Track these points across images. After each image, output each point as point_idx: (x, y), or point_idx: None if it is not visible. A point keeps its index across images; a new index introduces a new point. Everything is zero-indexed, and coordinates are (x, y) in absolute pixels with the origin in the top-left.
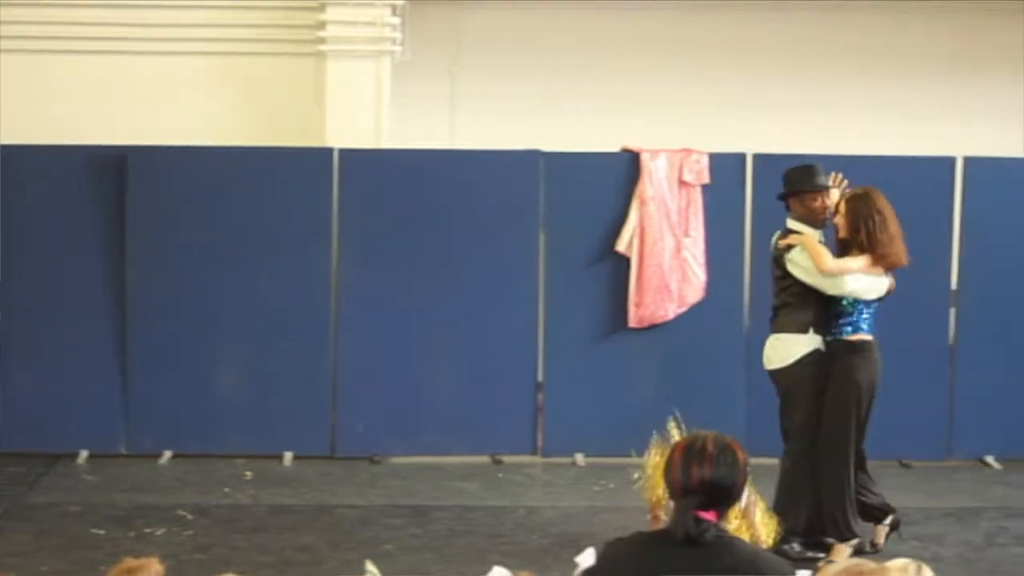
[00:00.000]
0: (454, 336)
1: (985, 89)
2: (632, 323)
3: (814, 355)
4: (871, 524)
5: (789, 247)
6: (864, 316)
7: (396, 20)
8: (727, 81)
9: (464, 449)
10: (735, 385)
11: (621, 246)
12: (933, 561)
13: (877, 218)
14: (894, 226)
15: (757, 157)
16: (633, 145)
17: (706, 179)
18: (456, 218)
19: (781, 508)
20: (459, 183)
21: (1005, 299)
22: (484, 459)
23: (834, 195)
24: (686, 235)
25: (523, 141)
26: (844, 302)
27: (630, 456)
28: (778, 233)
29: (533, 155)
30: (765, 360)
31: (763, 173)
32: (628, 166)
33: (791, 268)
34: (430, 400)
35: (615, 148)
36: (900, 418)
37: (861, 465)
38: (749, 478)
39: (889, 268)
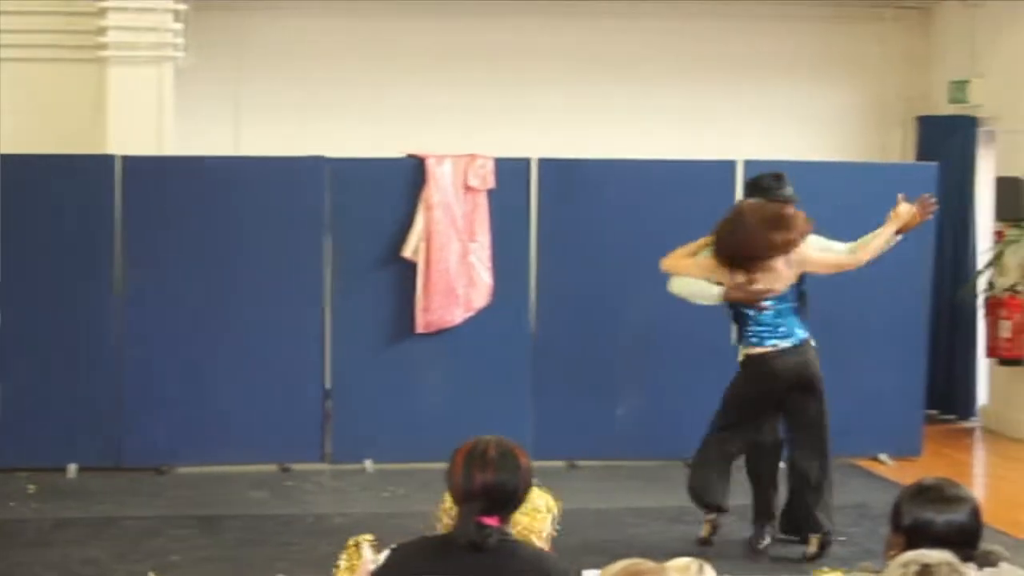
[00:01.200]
0: (241, 344)
1: (763, 93)
2: (419, 328)
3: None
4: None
5: None
6: (749, 328)
7: (178, 26)
8: (511, 87)
9: (252, 458)
10: (523, 389)
11: (408, 252)
12: (718, 559)
13: (728, 222)
14: (746, 228)
15: (542, 162)
16: (419, 151)
17: (491, 184)
18: (241, 225)
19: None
20: (244, 190)
21: None
22: (273, 467)
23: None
24: (472, 240)
25: (308, 147)
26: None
27: (420, 461)
28: None
29: (318, 161)
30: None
31: (547, 177)
32: (414, 172)
33: None
34: (217, 409)
35: (401, 154)
36: (684, 419)
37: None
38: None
39: (743, 266)
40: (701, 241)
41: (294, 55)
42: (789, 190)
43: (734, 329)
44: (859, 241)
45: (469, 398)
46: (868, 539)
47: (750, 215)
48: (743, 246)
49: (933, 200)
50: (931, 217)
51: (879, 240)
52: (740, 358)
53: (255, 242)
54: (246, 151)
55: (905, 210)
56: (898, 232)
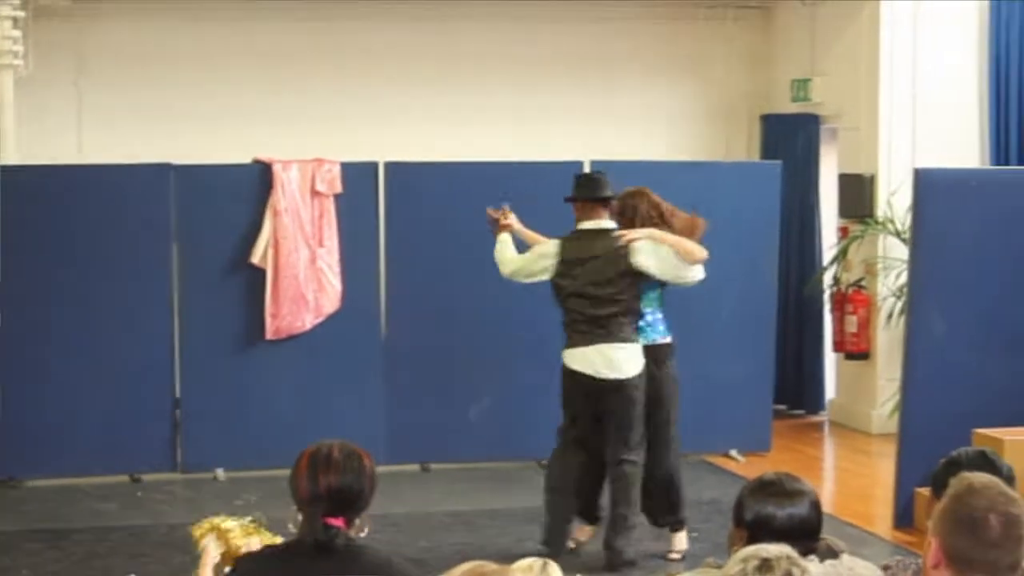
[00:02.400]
0: (90, 355)
1: (609, 93)
2: (269, 334)
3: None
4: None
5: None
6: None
7: (17, 33)
8: (359, 90)
9: (102, 469)
10: (375, 393)
11: (256, 258)
12: (573, 558)
13: (655, 212)
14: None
15: (389, 165)
16: (265, 156)
17: (338, 188)
18: (87, 234)
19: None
20: (88, 198)
21: None
22: (123, 478)
23: None
24: (320, 245)
25: (154, 154)
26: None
27: (272, 468)
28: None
29: (164, 168)
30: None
31: (395, 181)
32: (260, 177)
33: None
34: (66, 421)
35: (247, 160)
36: (538, 419)
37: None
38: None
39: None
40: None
41: (137, 61)
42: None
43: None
44: None
45: (321, 403)
46: (719, 535)
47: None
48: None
49: None
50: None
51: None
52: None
53: (101, 251)
54: (90, 159)
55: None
56: None
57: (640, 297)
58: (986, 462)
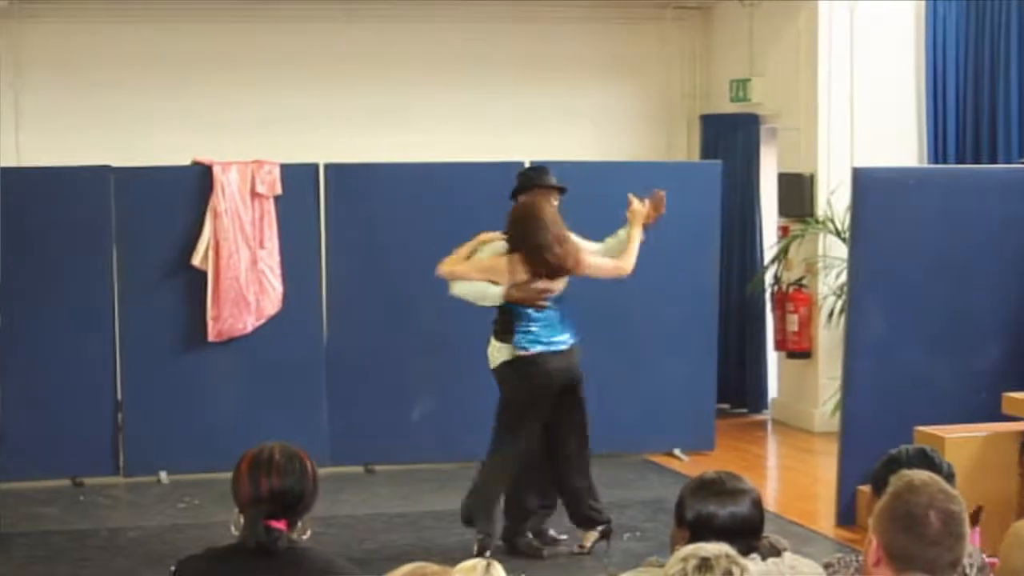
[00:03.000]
0: (30, 358)
1: (548, 94)
2: (211, 337)
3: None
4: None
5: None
6: (522, 327)
7: None
8: (297, 91)
9: (43, 473)
10: (317, 395)
11: (196, 260)
12: (516, 558)
13: (525, 225)
14: (549, 232)
15: (328, 167)
16: (205, 158)
17: (279, 190)
18: (25, 236)
19: None
20: (26, 201)
21: (574, 298)
22: (65, 482)
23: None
24: (261, 247)
25: (92, 157)
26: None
27: (215, 471)
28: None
29: (103, 170)
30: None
31: (335, 182)
32: (200, 179)
33: None
34: (7, 424)
35: (186, 161)
36: (480, 419)
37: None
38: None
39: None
40: (475, 241)
41: (75, 62)
42: (553, 179)
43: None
44: (607, 243)
45: (264, 406)
46: (663, 533)
47: (555, 227)
48: (561, 264)
49: (663, 195)
50: (664, 212)
51: (635, 243)
52: (505, 358)
53: (39, 254)
54: (28, 161)
55: (639, 207)
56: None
57: None
58: (926, 460)
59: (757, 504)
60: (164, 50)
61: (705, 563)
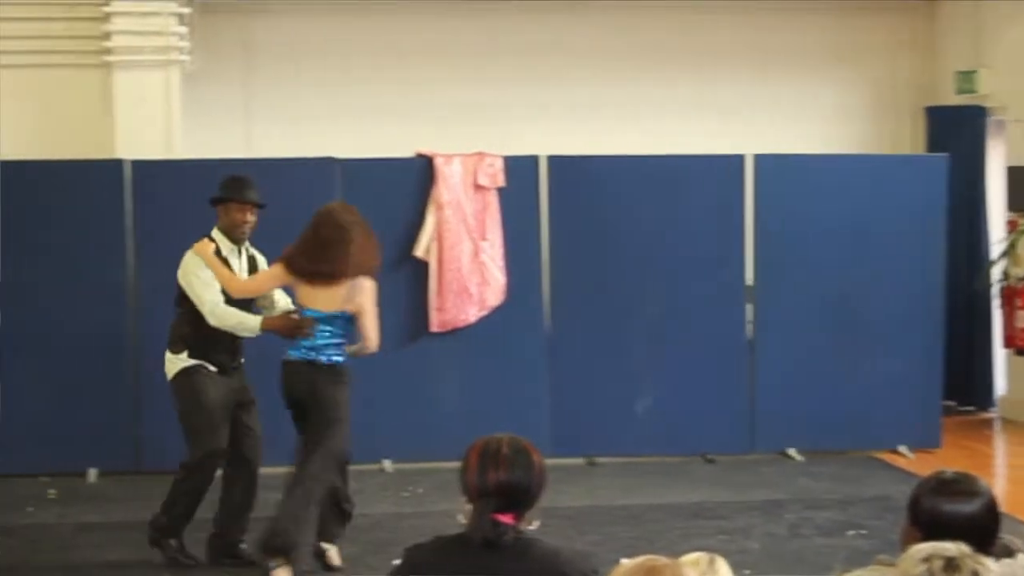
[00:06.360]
0: None
1: (770, 86)
2: (434, 327)
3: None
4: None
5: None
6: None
7: (183, 29)
8: (520, 84)
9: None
10: (539, 386)
11: (419, 251)
12: (739, 554)
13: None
14: (317, 241)
15: (551, 159)
16: (427, 150)
17: (501, 182)
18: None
19: None
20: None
21: (800, 293)
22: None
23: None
24: (483, 238)
25: (319, 148)
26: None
27: (437, 461)
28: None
29: (329, 162)
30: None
31: (557, 174)
32: (423, 171)
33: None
34: None
35: (410, 154)
36: (703, 413)
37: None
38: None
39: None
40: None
41: (302, 55)
42: (252, 193)
43: None
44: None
45: (486, 396)
46: (889, 532)
47: (358, 231)
48: (358, 265)
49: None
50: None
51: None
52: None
53: (266, 243)
54: (257, 153)
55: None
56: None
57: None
58: None
59: (992, 505)
60: (389, 42)
61: (951, 563)
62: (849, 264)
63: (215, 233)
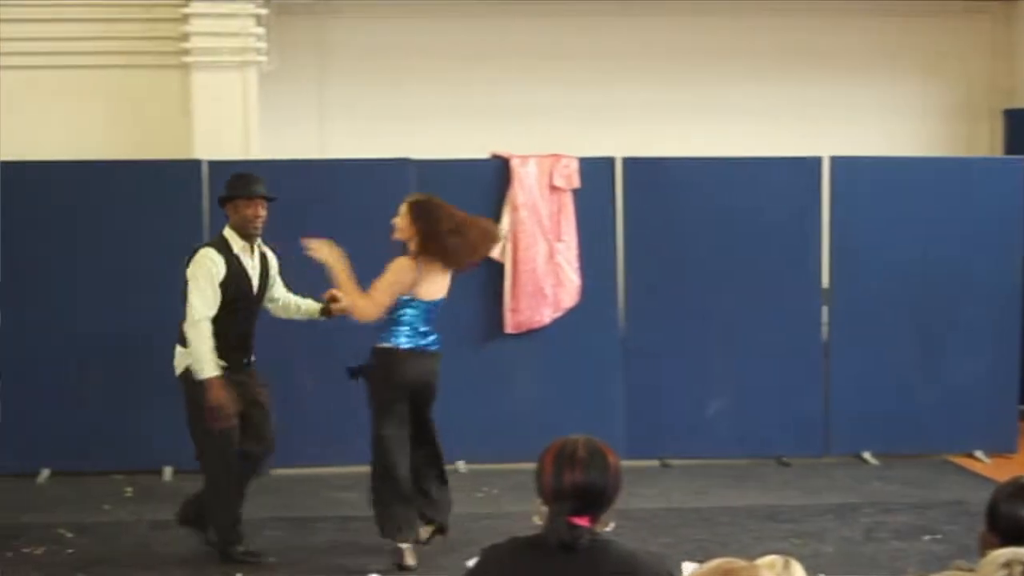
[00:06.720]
0: None
1: (846, 88)
2: (509, 328)
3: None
4: None
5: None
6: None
7: (260, 30)
8: (594, 86)
9: (340, 459)
10: (614, 388)
11: (495, 252)
12: (813, 557)
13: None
14: (446, 226)
15: (626, 160)
16: (503, 151)
17: (576, 183)
18: (326, 228)
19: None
20: (330, 192)
21: (875, 295)
22: (363, 468)
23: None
24: (559, 240)
25: (393, 149)
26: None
27: (512, 462)
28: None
29: (403, 163)
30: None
31: (633, 176)
32: (498, 172)
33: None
34: (308, 412)
35: (485, 155)
36: (777, 416)
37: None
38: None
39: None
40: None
41: (377, 57)
42: (259, 188)
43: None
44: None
45: (560, 398)
46: (964, 537)
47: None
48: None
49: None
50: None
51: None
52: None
53: (344, 244)
54: (331, 154)
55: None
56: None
57: None
58: None
59: None
60: (462, 43)
61: None
62: (925, 267)
63: (227, 232)
